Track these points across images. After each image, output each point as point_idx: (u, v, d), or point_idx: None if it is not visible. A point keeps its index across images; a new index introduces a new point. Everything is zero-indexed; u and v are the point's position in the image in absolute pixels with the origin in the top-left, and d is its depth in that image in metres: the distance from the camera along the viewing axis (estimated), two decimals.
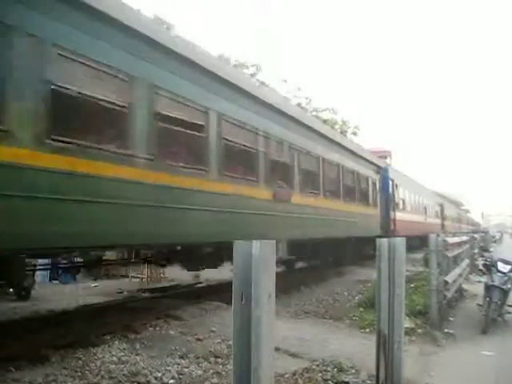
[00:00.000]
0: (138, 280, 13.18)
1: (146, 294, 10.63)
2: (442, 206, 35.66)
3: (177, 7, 65.78)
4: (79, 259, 10.31)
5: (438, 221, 32.99)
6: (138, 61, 6.54)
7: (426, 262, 10.91)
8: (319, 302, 10.04)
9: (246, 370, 2.13)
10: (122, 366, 5.09)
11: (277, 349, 4.89)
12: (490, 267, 8.66)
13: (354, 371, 5.21)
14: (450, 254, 9.43)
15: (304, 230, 11.37)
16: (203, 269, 9.90)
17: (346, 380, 4.92)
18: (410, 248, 17.74)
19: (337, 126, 29.02)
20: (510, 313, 8.44)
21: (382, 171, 18.89)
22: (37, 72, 5.23)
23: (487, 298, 8.02)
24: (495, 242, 39.91)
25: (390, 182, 19.33)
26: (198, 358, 5.50)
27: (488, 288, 8.19)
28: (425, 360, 6.04)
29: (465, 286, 11.79)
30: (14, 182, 4.90)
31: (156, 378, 4.82)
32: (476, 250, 19.75)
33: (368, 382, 4.87)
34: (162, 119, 6.91)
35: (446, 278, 8.29)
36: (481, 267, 10.93)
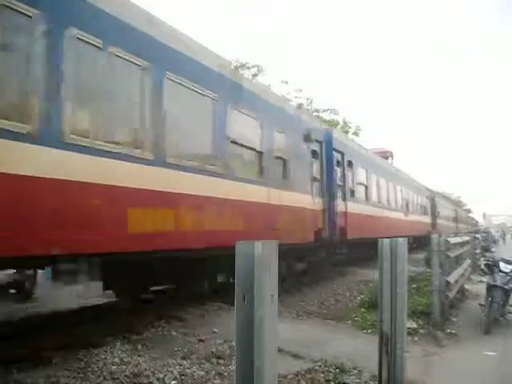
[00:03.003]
0: None
1: None
2: (456, 212, 49.74)
3: (175, 5, 65.96)
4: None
5: (454, 223, 46.80)
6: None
7: (428, 263, 10.91)
8: (321, 303, 10.03)
9: (249, 371, 2.12)
10: (124, 367, 5.07)
11: (279, 350, 4.87)
12: (492, 267, 8.64)
13: (356, 372, 5.20)
14: (452, 254, 9.42)
15: (407, 230, 21.51)
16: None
17: (348, 381, 4.91)
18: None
19: (338, 127, 28.94)
20: None
21: (431, 194, 33.23)
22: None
23: (489, 298, 7.99)
24: (494, 242, 39.83)
25: (434, 202, 33.49)
26: (200, 358, 5.49)
27: (490, 288, 8.17)
28: (427, 360, 6.02)
29: (467, 286, 11.78)
30: None
31: (158, 379, 4.81)
32: (478, 250, 19.80)
33: (370, 382, 4.87)
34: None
35: (448, 279, 8.28)
36: (483, 267, 10.92)
